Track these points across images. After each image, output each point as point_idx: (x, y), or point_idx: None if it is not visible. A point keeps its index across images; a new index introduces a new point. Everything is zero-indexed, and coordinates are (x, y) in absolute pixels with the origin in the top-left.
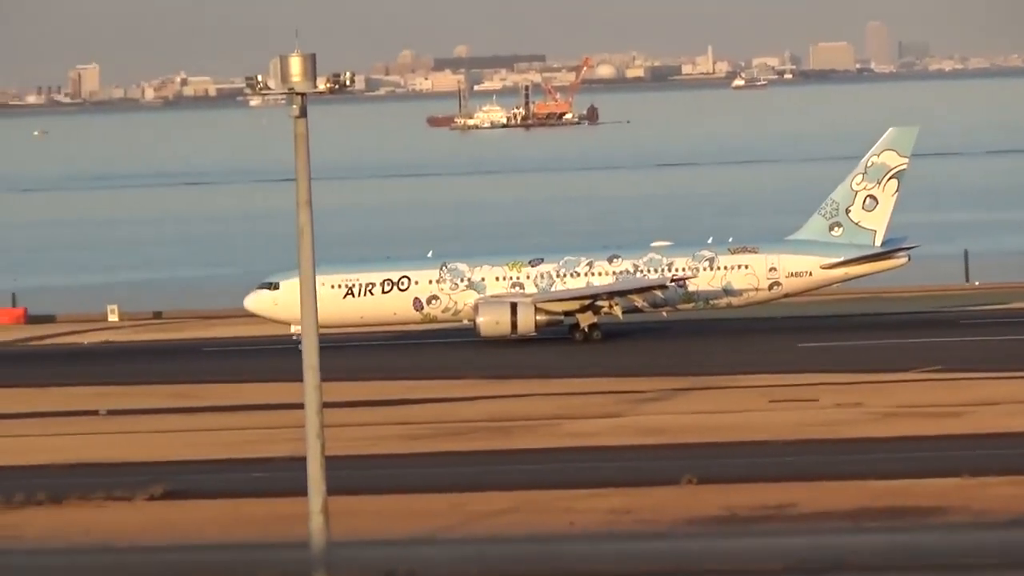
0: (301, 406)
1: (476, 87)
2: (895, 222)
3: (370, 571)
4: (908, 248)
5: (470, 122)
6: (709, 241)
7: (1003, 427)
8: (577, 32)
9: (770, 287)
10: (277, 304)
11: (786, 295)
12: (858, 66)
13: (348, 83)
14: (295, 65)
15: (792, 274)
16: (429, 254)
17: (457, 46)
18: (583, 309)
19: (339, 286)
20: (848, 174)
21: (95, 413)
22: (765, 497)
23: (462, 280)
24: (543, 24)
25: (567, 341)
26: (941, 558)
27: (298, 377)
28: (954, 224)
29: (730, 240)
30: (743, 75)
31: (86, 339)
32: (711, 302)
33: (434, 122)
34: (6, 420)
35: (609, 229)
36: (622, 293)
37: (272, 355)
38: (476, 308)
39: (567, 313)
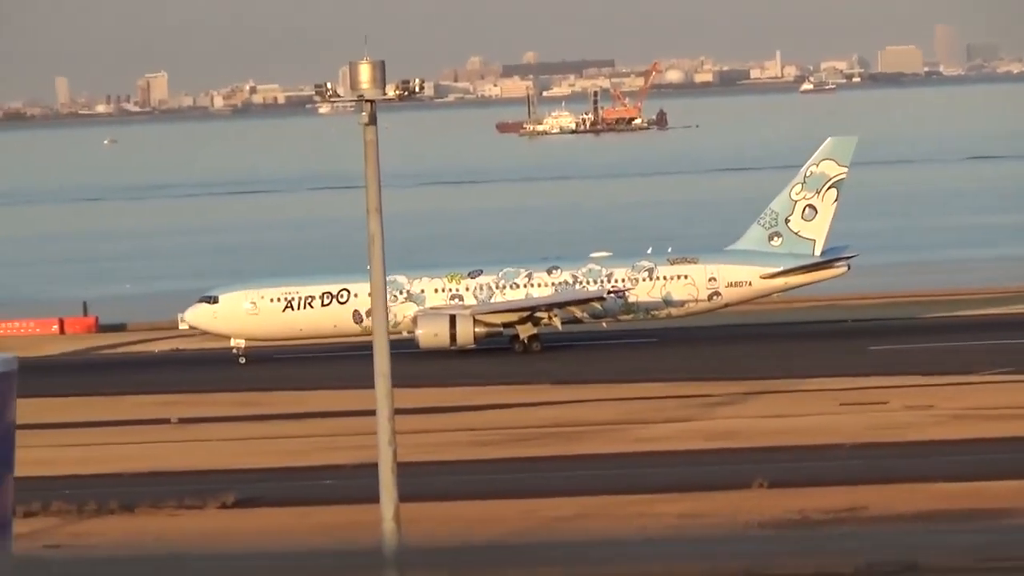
0: (369, 413)
1: (545, 93)
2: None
3: None
4: (848, 257)
5: (539, 128)
6: (649, 251)
7: None
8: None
9: (710, 297)
10: (216, 317)
11: (726, 305)
12: (926, 69)
13: (417, 90)
14: (364, 72)
15: (732, 284)
16: (369, 267)
17: (526, 52)
18: (522, 320)
19: (278, 299)
20: (787, 184)
21: (166, 421)
22: (836, 500)
23: (401, 292)
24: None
25: (508, 351)
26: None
27: (365, 384)
28: None
29: (669, 250)
30: (811, 79)
31: (156, 347)
32: (651, 313)
33: (503, 128)
34: (78, 429)
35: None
36: (561, 305)
37: (340, 362)
38: (415, 320)
39: (506, 325)
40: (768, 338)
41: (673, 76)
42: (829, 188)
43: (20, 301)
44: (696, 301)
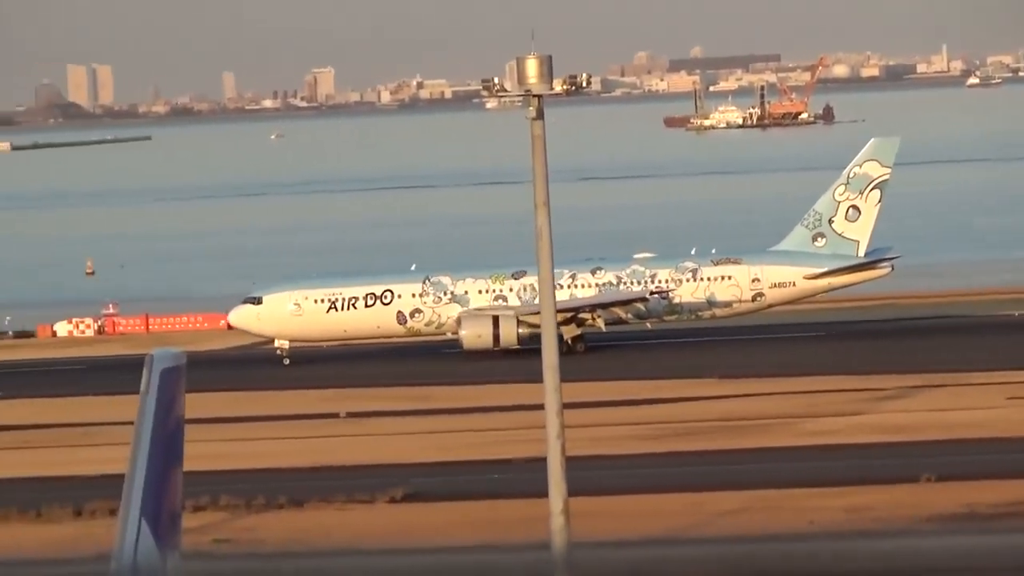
0: (538, 407)
1: (711, 88)
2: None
3: (612, 572)
4: (891, 259)
5: (706, 123)
6: (692, 252)
7: None
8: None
9: (753, 298)
10: (260, 319)
11: (769, 306)
12: None
13: (584, 84)
14: (531, 67)
15: (775, 285)
16: (412, 267)
17: (692, 47)
18: (566, 321)
19: (322, 300)
20: (831, 185)
21: (335, 416)
22: (1005, 494)
23: (445, 293)
24: (778, 24)
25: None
26: None
27: (533, 379)
28: None
29: (713, 251)
30: (978, 73)
31: (325, 342)
32: (695, 313)
33: (670, 123)
34: (248, 423)
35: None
36: (604, 305)
37: (508, 357)
38: (459, 321)
39: None
40: (933, 331)
41: (839, 71)
42: (872, 189)
43: (188, 296)
44: (740, 301)
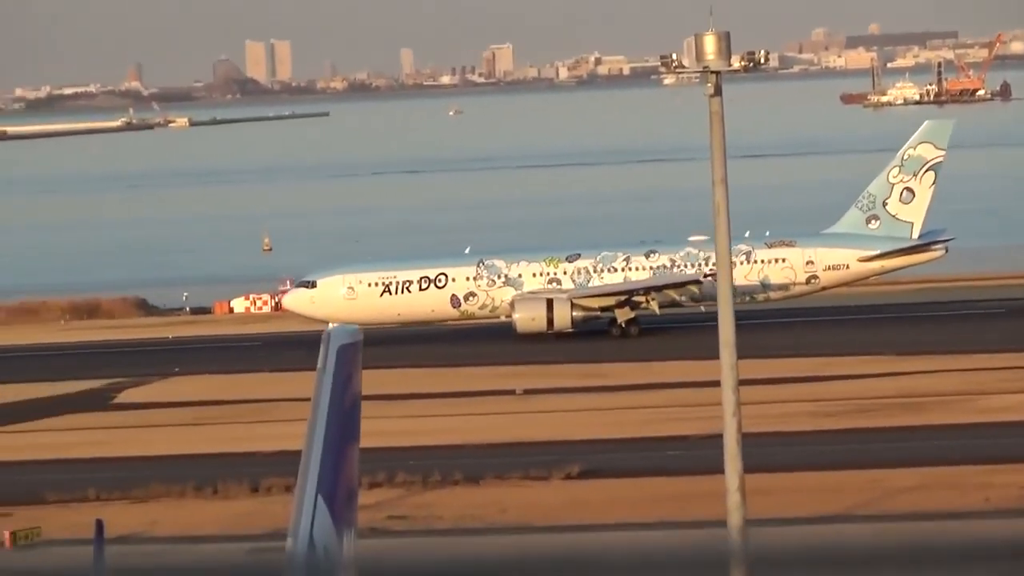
0: (712, 384)
1: (888, 64)
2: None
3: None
4: (945, 240)
5: (883, 99)
6: (746, 235)
7: None
8: (989, 8)
9: (807, 280)
10: (314, 302)
11: (824, 288)
12: None
13: (762, 61)
14: (709, 44)
15: (829, 267)
16: (467, 251)
17: (870, 24)
18: (620, 304)
19: (376, 284)
20: (885, 167)
21: (511, 393)
22: None
23: (499, 277)
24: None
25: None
26: None
27: (710, 355)
28: None
29: (767, 234)
30: None
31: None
32: (749, 296)
33: (847, 99)
34: (424, 400)
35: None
36: (658, 288)
37: (681, 334)
38: (513, 305)
39: (603, 309)
40: None
41: (1017, 47)
42: (927, 171)
43: None
44: (794, 284)
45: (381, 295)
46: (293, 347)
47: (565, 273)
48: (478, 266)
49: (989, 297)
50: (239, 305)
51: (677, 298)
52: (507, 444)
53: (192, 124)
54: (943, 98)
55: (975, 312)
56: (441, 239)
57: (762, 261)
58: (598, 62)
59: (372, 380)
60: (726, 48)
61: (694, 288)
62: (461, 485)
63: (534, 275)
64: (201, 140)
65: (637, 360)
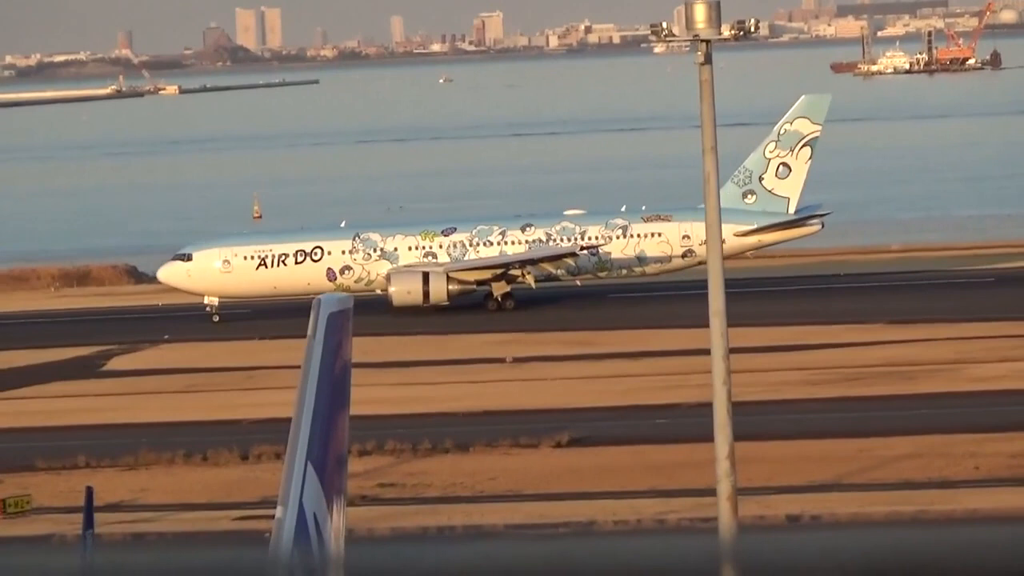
0: (703, 352)
1: (879, 33)
2: None
3: (772, 516)
4: (821, 215)
5: (873, 68)
6: (623, 209)
7: None
8: None
9: (683, 255)
10: (190, 276)
11: (700, 263)
12: None
13: (752, 29)
14: (700, 12)
15: (705, 242)
16: (343, 224)
17: None
18: (496, 278)
19: (252, 257)
20: (760, 142)
21: (501, 361)
22: None
23: (375, 250)
24: None
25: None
26: None
27: (699, 323)
28: None
29: (643, 208)
30: None
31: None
32: (624, 270)
33: (837, 68)
34: (413, 368)
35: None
36: (534, 262)
37: (673, 301)
38: (388, 278)
39: (480, 282)
40: None
41: (1007, 16)
42: (803, 146)
43: None
44: (670, 258)
45: (257, 268)
46: (283, 315)
47: (441, 247)
48: (354, 239)
49: (980, 266)
50: None
51: (553, 271)
52: (497, 412)
53: (182, 92)
54: (933, 67)
55: (966, 281)
56: (427, 208)
57: (638, 235)
58: (588, 30)
59: (362, 348)
60: (716, 17)
61: (570, 261)
62: (451, 453)
63: (410, 248)
64: (191, 108)
65: (628, 328)
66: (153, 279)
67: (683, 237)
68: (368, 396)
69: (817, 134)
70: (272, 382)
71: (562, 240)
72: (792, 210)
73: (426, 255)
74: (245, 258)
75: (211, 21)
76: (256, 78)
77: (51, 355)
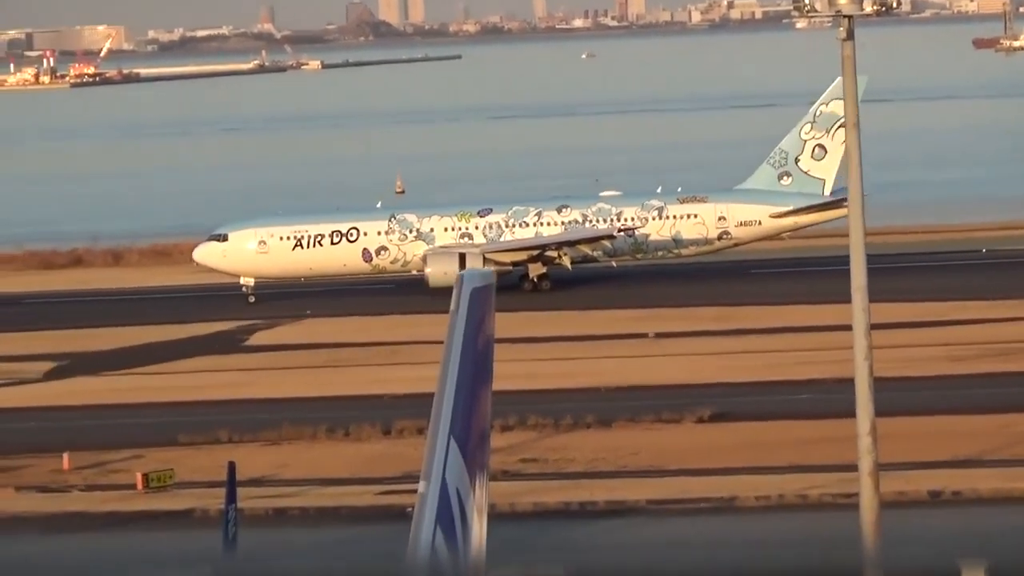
0: (845, 328)
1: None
2: None
3: (914, 491)
4: None
5: (1015, 44)
6: (658, 191)
7: None
8: None
9: (719, 236)
10: (226, 256)
11: (736, 244)
12: None
13: (894, 5)
14: None
15: (741, 223)
16: (378, 204)
17: None
18: (532, 259)
19: (288, 238)
20: (797, 123)
21: (643, 336)
22: None
23: (411, 231)
24: None
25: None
26: None
27: (841, 299)
28: None
29: (679, 190)
30: None
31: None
32: (661, 252)
33: (979, 44)
34: (556, 343)
35: None
36: (570, 243)
37: (815, 277)
38: (425, 259)
39: (516, 263)
40: None
41: None
42: (839, 128)
43: None
44: (706, 240)
45: (293, 249)
46: (425, 290)
47: (477, 228)
48: (390, 220)
49: None
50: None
51: (590, 253)
52: (639, 387)
53: (324, 67)
54: None
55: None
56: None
57: (674, 217)
58: (730, 5)
59: (504, 323)
60: None
61: (607, 243)
62: (593, 428)
63: (446, 229)
64: (333, 83)
65: (769, 304)
66: None
67: (719, 219)
68: (510, 371)
69: None
70: (415, 357)
71: (598, 221)
72: (828, 192)
73: (462, 236)
74: (281, 239)
75: None
76: (398, 53)
77: (194, 330)
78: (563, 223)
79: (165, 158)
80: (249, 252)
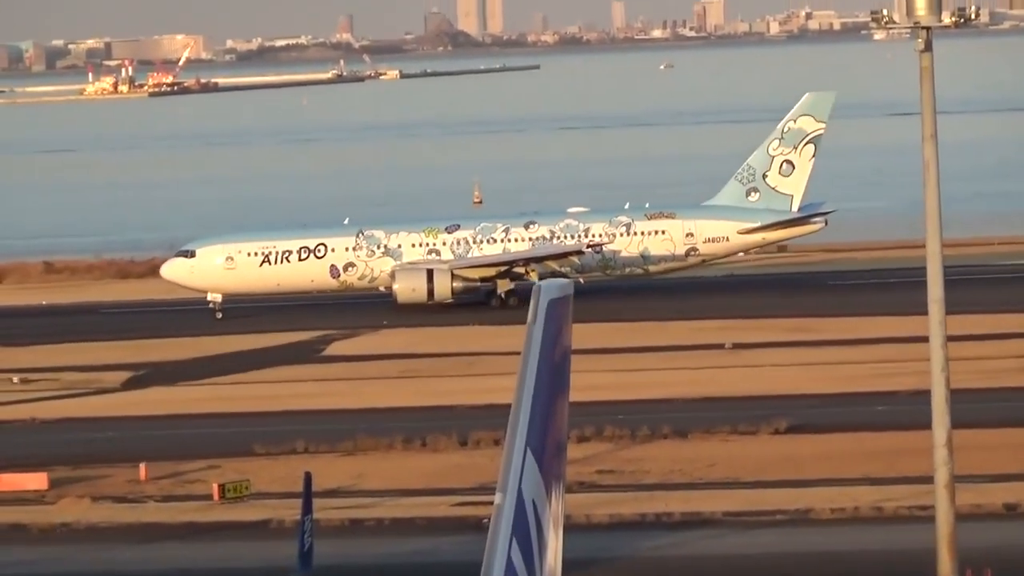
0: (920, 339)
1: None
2: None
3: (990, 504)
4: (825, 213)
5: None
6: (626, 207)
7: None
8: None
9: (687, 253)
10: (193, 272)
11: (704, 260)
12: None
13: (973, 16)
14: None
15: (709, 239)
16: (346, 221)
17: None
18: (500, 275)
19: (255, 254)
20: (764, 139)
21: (720, 347)
22: None
23: (379, 247)
24: None
25: None
26: None
27: (918, 311)
28: None
29: (647, 206)
30: None
31: (711, 272)
32: (628, 268)
33: None
34: (632, 354)
35: None
36: (538, 259)
37: (892, 288)
38: (393, 275)
39: (484, 279)
40: None
41: None
42: (807, 144)
43: None
44: (674, 256)
45: (260, 265)
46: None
47: (444, 244)
48: (357, 236)
49: None
50: None
51: (558, 269)
52: (715, 398)
53: (403, 76)
54: None
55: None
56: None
57: (642, 233)
58: (808, 16)
59: (580, 334)
60: (937, 3)
61: (575, 259)
62: (669, 439)
63: (413, 246)
64: (412, 93)
65: (845, 315)
66: None
67: (687, 235)
68: (587, 382)
69: (821, 132)
70: (491, 368)
71: (566, 238)
72: (795, 208)
73: (430, 252)
74: (249, 255)
75: (433, 6)
76: (477, 63)
77: (272, 340)
78: (531, 239)
79: (243, 167)
80: (216, 268)
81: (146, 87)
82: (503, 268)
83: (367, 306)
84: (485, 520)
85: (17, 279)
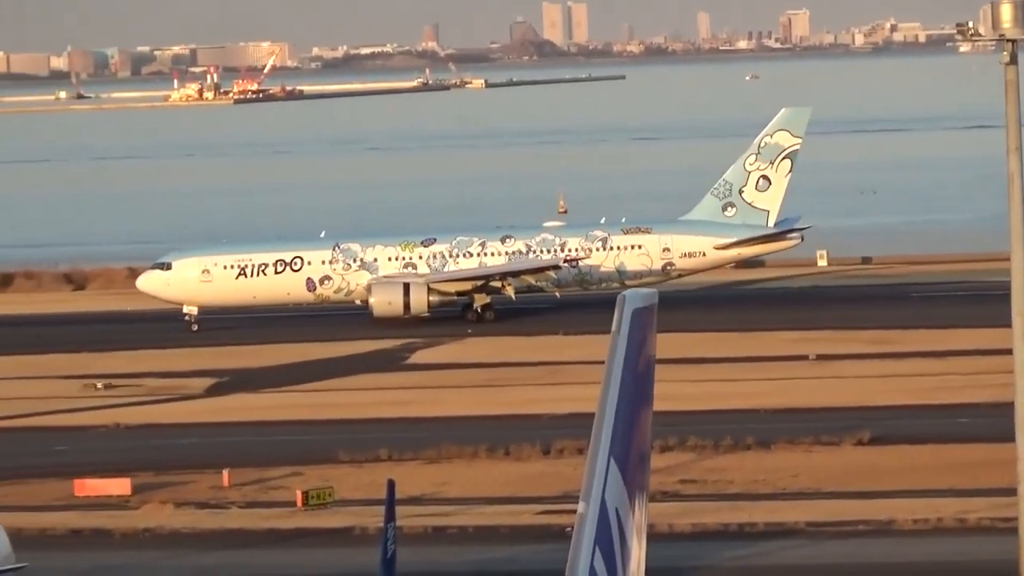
0: (1005, 352)
1: None
2: None
3: None
4: (801, 229)
5: None
6: (602, 221)
7: None
8: None
9: (664, 267)
10: (169, 285)
11: (680, 275)
12: None
13: None
14: (1006, 12)
15: (685, 254)
16: (322, 234)
17: None
18: (477, 289)
19: (231, 266)
20: (741, 154)
21: (804, 358)
22: None
23: (355, 261)
24: None
25: None
26: None
27: (1002, 323)
28: None
29: (623, 220)
30: None
31: (795, 283)
32: (605, 283)
33: None
34: (716, 364)
35: None
36: (515, 273)
37: (976, 301)
38: (369, 289)
39: (460, 293)
40: None
41: None
42: (783, 159)
43: None
44: (650, 271)
45: (236, 278)
46: (587, 309)
47: (421, 258)
48: (334, 250)
49: None
50: None
51: (534, 283)
52: (798, 409)
53: (488, 85)
54: None
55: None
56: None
57: (618, 248)
58: (893, 29)
59: (665, 343)
60: (1023, 16)
61: (551, 273)
62: (753, 450)
63: (390, 259)
64: (497, 102)
65: (929, 327)
66: None
67: (663, 250)
68: (670, 392)
69: (797, 147)
70: (575, 377)
71: (542, 252)
72: (772, 223)
73: (406, 266)
74: (225, 268)
75: (518, 15)
76: (562, 72)
77: (354, 348)
78: (507, 253)
79: (329, 175)
80: (192, 281)
81: (231, 94)
82: (480, 282)
83: (446, 317)
84: (568, 529)
85: (102, 284)
